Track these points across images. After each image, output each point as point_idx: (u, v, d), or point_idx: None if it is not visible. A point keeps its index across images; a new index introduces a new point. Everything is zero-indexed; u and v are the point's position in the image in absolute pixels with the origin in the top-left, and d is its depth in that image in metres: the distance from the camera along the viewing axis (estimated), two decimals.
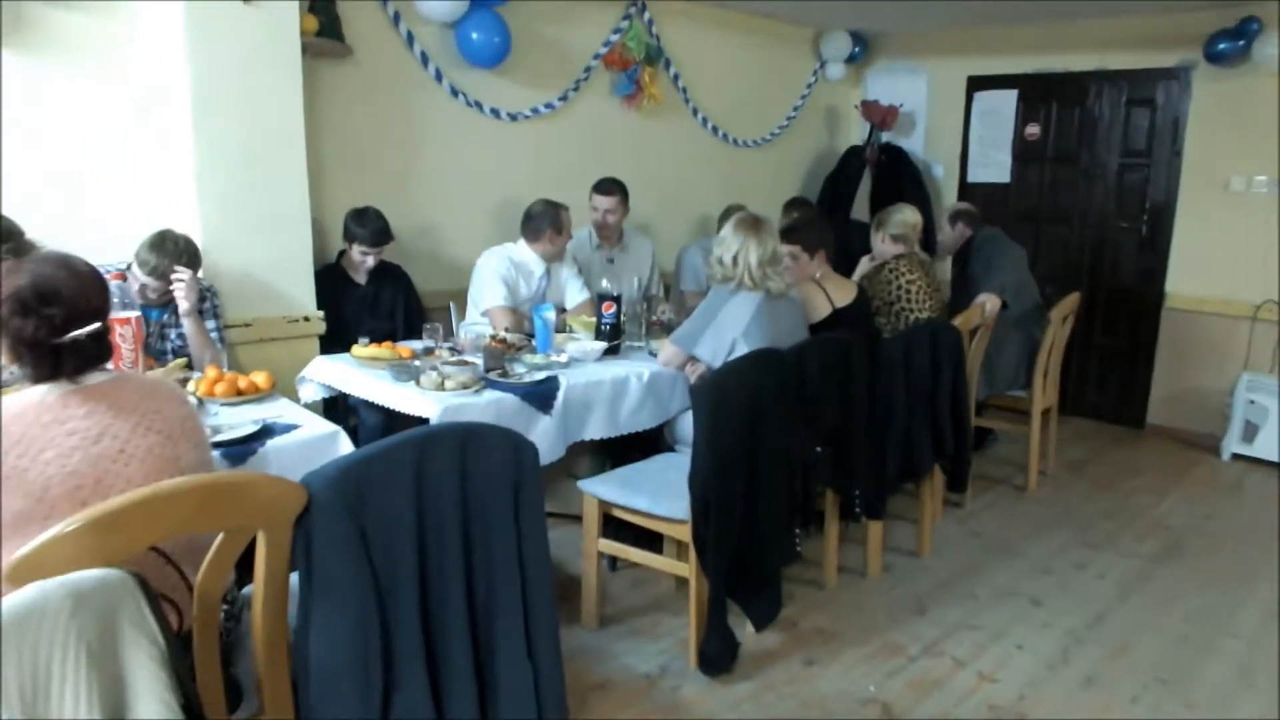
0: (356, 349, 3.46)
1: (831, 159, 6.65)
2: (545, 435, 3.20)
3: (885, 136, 6.49)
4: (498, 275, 4.19)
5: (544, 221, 4.23)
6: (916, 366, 3.54)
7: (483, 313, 4.23)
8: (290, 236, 3.90)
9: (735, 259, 3.40)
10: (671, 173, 5.72)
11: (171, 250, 3.34)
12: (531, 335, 3.82)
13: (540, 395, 3.20)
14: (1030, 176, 6.20)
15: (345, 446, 2.70)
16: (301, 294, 3.98)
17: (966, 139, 6.41)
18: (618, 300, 3.76)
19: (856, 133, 6.77)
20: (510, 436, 2.12)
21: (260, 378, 3.05)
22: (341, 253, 4.22)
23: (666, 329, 4.07)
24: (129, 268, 3.39)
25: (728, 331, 3.36)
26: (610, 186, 4.71)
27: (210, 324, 3.61)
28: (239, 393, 2.97)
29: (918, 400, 3.56)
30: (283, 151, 3.82)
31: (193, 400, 2.73)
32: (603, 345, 3.70)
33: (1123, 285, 5.88)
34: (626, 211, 4.77)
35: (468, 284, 4.36)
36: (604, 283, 3.80)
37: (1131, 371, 5.89)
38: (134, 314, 2.82)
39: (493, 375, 3.26)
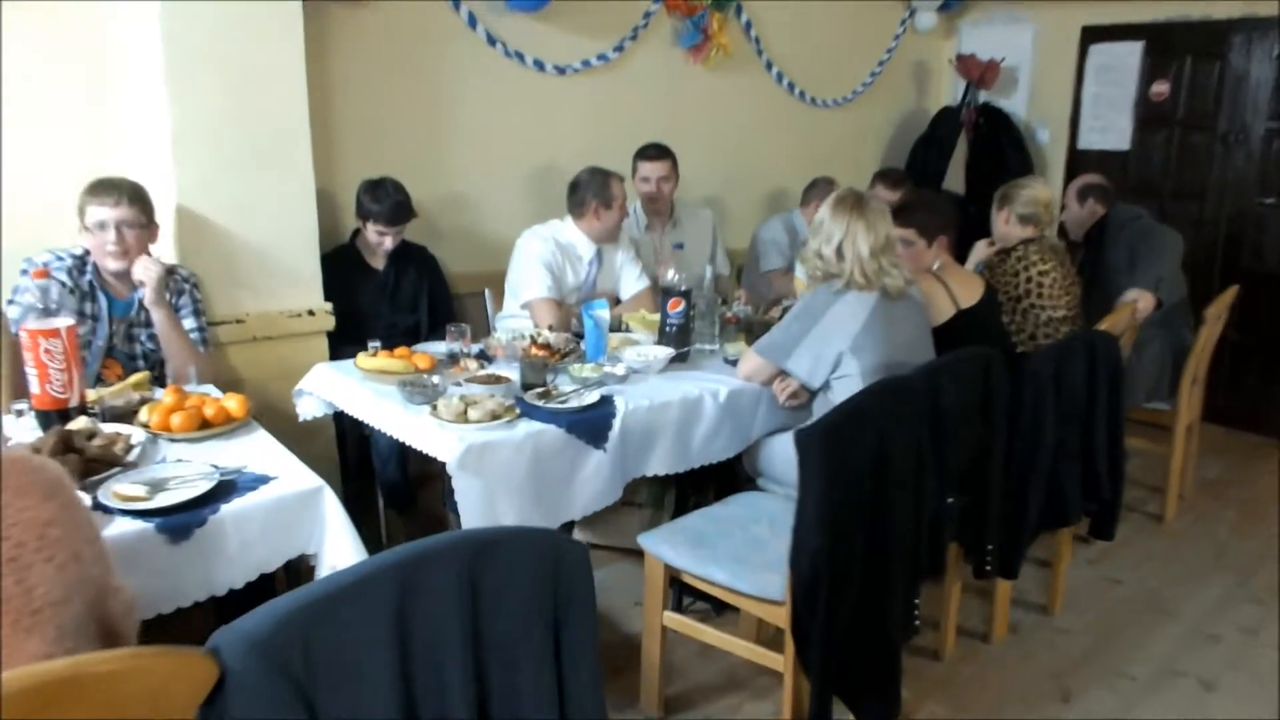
0: (362, 358, 2.74)
1: (920, 122, 5.79)
2: (598, 475, 2.47)
3: (983, 96, 5.61)
4: (540, 260, 3.45)
5: (588, 192, 3.48)
6: (1069, 388, 2.74)
7: (522, 305, 3.49)
8: (290, 213, 3.19)
9: (840, 250, 2.63)
10: (741, 137, 4.91)
11: (121, 194, 2.68)
12: (580, 336, 3.08)
13: (591, 425, 2.47)
14: (1154, 143, 5.30)
15: (332, 510, 2.00)
16: (305, 283, 3.27)
17: (1078, 99, 5.51)
18: (686, 296, 3.00)
19: (950, 92, 5.89)
20: (547, 543, 1.38)
21: (234, 403, 2.34)
22: (356, 233, 3.50)
23: (746, 328, 3.31)
24: (62, 259, 2.71)
25: (832, 343, 2.60)
26: (657, 151, 3.96)
27: (190, 322, 2.92)
28: (205, 424, 2.27)
29: (1069, 431, 2.77)
30: (280, 110, 3.09)
31: (145, 439, 2.04)
32: (669, 352, 2.95)
33: (1266, 271, 4.99)
34: (677, 180, 4.02)
35: (506, 266, 3.62)
36: (670, 274, 3.04)
37: (1272, 373, 5.01)
38: (63, 322, 2.12)
39: (531, 396, 2.53)
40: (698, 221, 4.17)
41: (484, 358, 2.97)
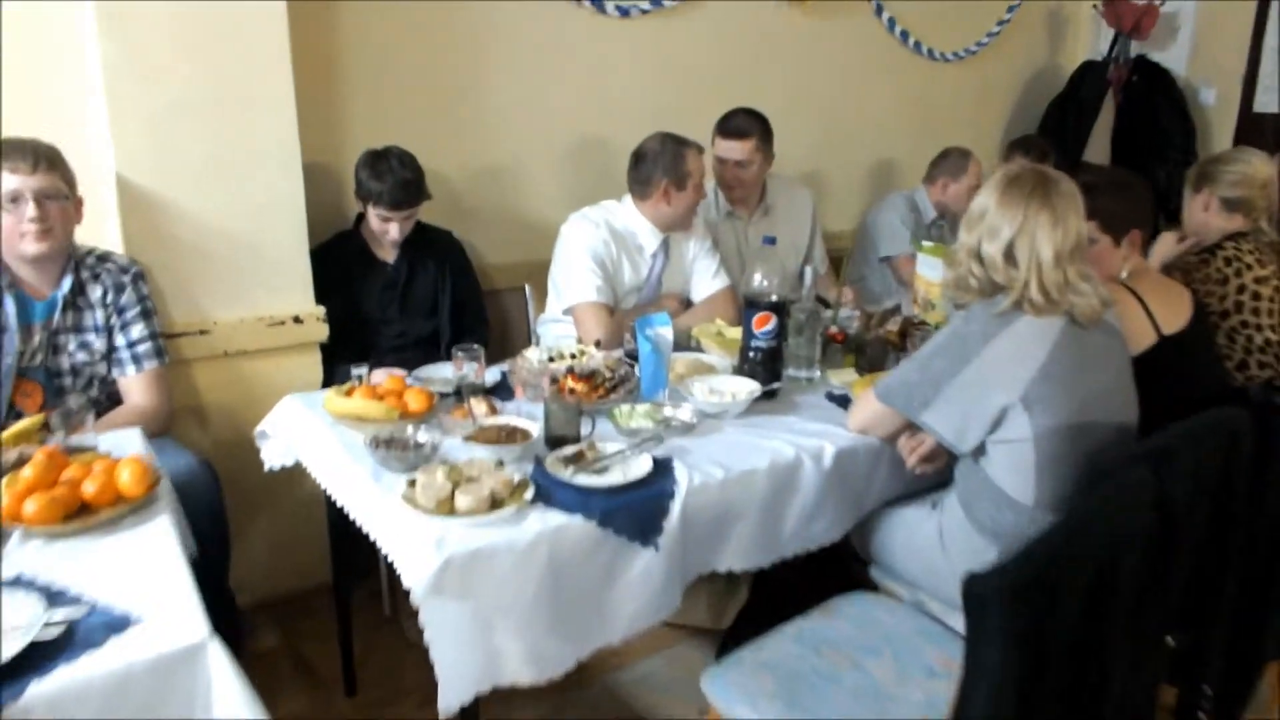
0: (332, 395, 1.99)
1: (1056, 79, 4.79)
2: (645, 582, 1.68)
3: (1136, 48, 4.59)
4: (588, 252, 2.65)
5: (656, 168, 2.65)
6: None
7: (565, 310, 2.71)
8: (269, 191, 2.45)
9: (1011, 252, 1.77)
10: (841, 96, 4.00)
11: (35, 157, 2.04)
12: (634, 358, 2.29)
13: (639, 513, 1.67)
14: None
15: (220, 683, 1.25)
16: (290, 281, 2.54)
17: (1256, 52, 4.45)
18: (778, 310, 2.17)
19: (1092, 44, 4.87)
20: None
21: (129, 472, 1.61)
22: (360, 218, 2.74)
23: (855, 347, 2.47)
24: None
25: (994, 391, 1.75)
26: (743, 124, 2.99)
27: (139, 329, 2.24)
28: (85, 507, 1.55)
29: None
30: (252, 56, 2.35)
31: None
32: (752, 389, 2.13)
33: None
34: (769, 161, 3.09)
35: (551, 255, 2.84)
36: (757, 278, 2.21)
37: None
38: None
39: (555, 461, 1.75)
40: (794, 205, 3.27)
41: (503, 391, 2.20)
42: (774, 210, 3.19)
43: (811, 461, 1.89)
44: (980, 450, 1.82)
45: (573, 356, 2.37)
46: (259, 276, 2.48)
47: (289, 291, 2.53)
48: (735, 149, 2.99)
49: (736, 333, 2.49)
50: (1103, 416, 1.77)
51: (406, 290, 2.75)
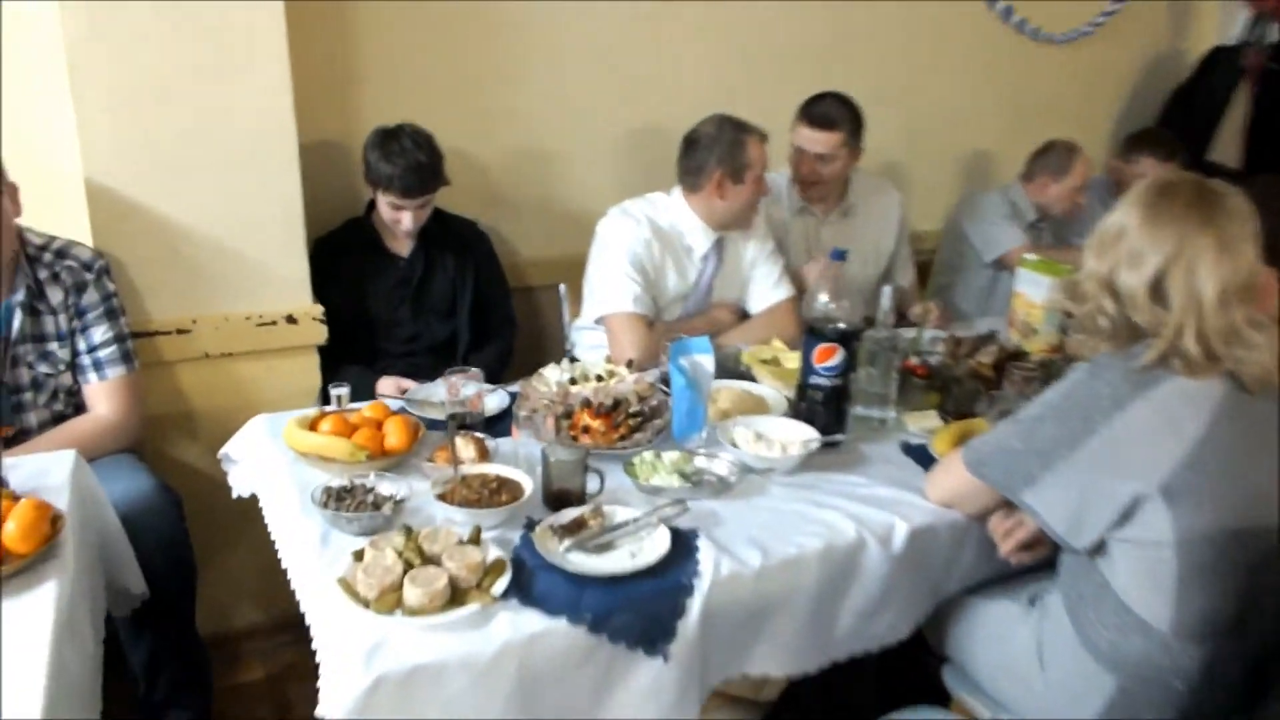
0: (294, 426, 1.63)
1: (1177, 68, 4.20)
2: (651, 698, 1.28)
3: (1276, 32, 3.98)
4: (626, 252, 2.26)
5: (710, 155, 2.23)
6: None
7: (597, 320, 2.32)
8: (260, 174, 2.10)
9: (1159, 288, 1.32)
10: (929, 79, 3.50)
11: None
12: (668, 386, 1.91)
13: (644, 613, 1.27)
14: None
15: None
16: (282, 275, 2.20)
17: None
18: (847, 343, 1.74)
19: (1223, 27, 4.26)
20: None
21: (16, 523, 1.28)
22: (372, 204, 2.38)
23: (940, 385, 2.04)
24: None
25: (1122, 477, 1.30)
26: (832, 112, 2.51)
27: (102, 331, 1.93)
28: None
29: None
30: (240, 23, 2.00)
31: None
32: (809, 440, 1.71)
33: None
34: (856, 157, 2.62)
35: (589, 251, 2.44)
36: (822, 299, 1.78)
37: None
38: None
39: (545, 533, 1.37)
40: (879, 207, 2.79)
41: (507, 420, 1.82)
42: (855, 212, 2.73)
43: (878, 544, 1.47)
44: (1100, 548, 1.38)
45: (599, 379, 1.99)
46: (247, 269, 2.14)
47: (281, 287, 2.19)
48: (818, 140, 2.53)
49: (796, 359, 2.08)
50: (1272, 519, 1.31)
51: (421, 288, 2.39)
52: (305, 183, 2.18)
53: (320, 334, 2.24)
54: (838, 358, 1.75)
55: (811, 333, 1.76)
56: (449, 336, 2.42)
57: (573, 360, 2.11)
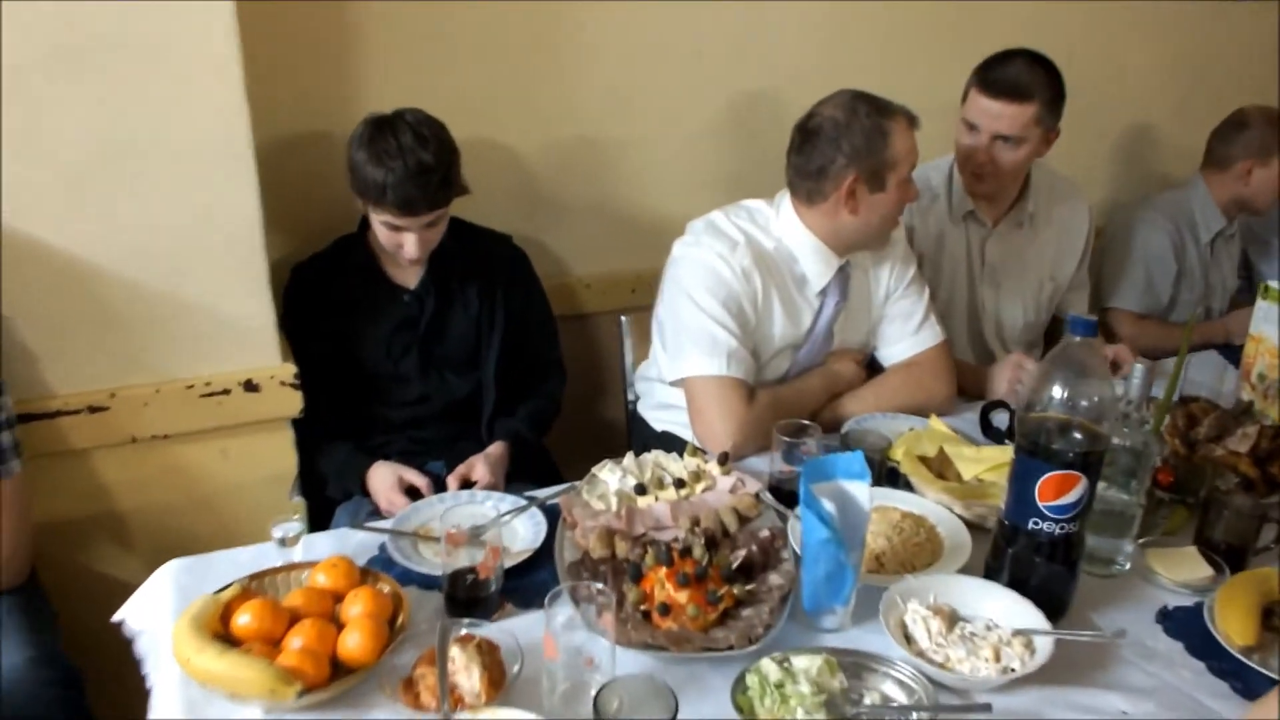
0: (185, 633, 0.97)
1: None
2: None
3: None
4: (713, 292, 1.56)
5: (838, 152, 1.52)
6: None
7: (673, 382, 1.64)
8: (200, 189, 1.46)
9: None
10: (1075, 45, 2.68)
11: None
12: (784, 494, 1.24)
13: None
14: None
15: None
16: (235, 327, 1.56)
17: None
18: (1092, 466, 1.04)
19: None
20: None
21: None
22: (366, 221, 1.71)
23: (1185, 488, 1.33)
24: None
25: None
26: (1023, 78, 1.79)
27: None
28: None
29: None
30: None
31: None
32: (1033, 651, 1.03)
33: None
34: (1052, 140, 1.87)
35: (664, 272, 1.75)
36: (1052, 391, 1.07)
37: None
38: None
39: None
40: (1065, 216, 2.03)
41: (547, 565, 1.16)
42: (1035, 221, 2.00)
43: None
44: None
45: (679, 485, 1.33)
46: (186, 321, 1.51)
47: (237, 342, 1.55)
48: (1003, 115, 1.80)
49: (975, 455, 1.38)
50: None
51: (433, 330, 1.73)
52: (286, 188, 1.57)
53: (293, 403, 1.61)
54: (1077, 491, 1.05)
55: (1033, 452, 1.06)
56: (470, 394, 1.77)
57: (639, 450, 1.44)
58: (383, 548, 1.25)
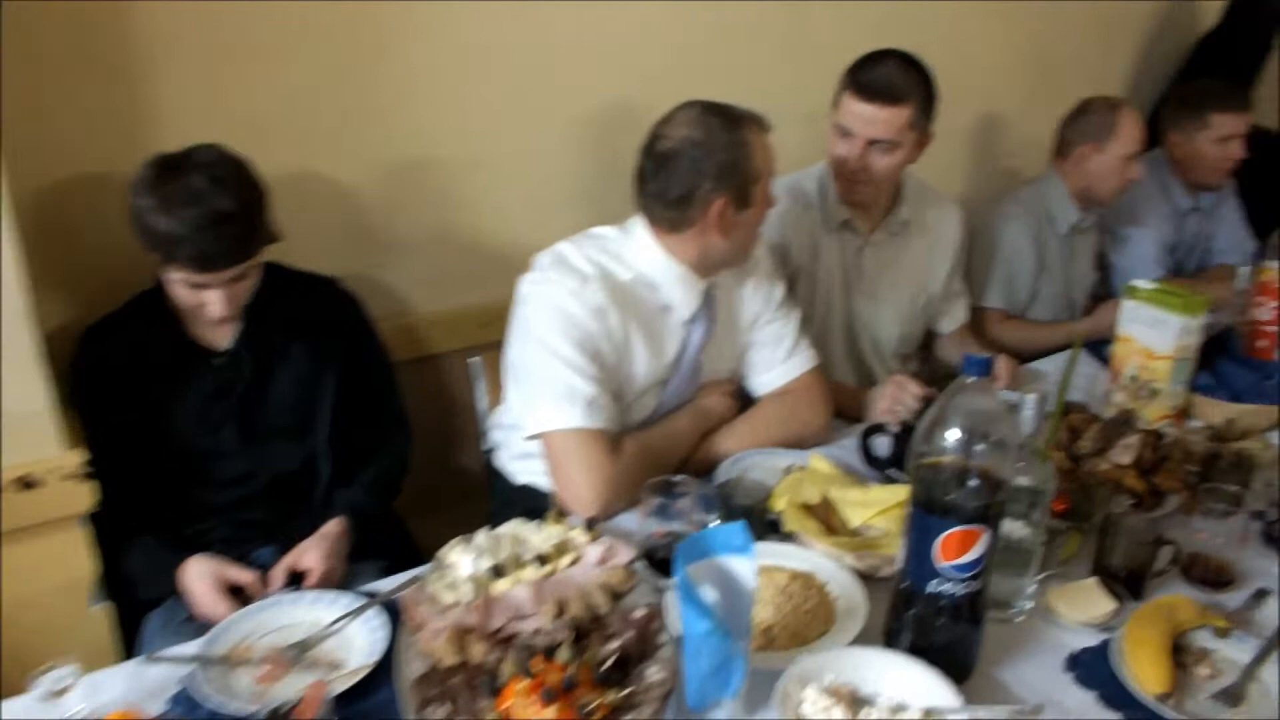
0: None
1: (1199, 14, 3.49)
2: None
3: None
4: (566, 335, 1.41)
5: (702, 176, 1.39)
6: None
7: (529, 437, 1.47)
8: None
9: None
10: (924, 35, 2.67)
11: None
12: (658, 560, 1.10)
13: None
14: None
15: None
16: (8, 409, 1.30)
17: None
18: (992, 517, 0.94)
19: None
20: None
21: None
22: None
23: (1078, 512, 1.26)
24: None
25: None
26: (897, 80, 1.73)
27: None
28: None
29: None
30: None
31: None
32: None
33: None
34: (924, 146, 1.81)
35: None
36: (946, 437, 0.96)
37: None
38: None
39: None
40: (937, 224, 1.97)
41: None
42: (909, 230, 1.93)
43: None
44: None
45: (541, 561, 1.18)
46: None
47: (3, 436, 1.30)
48: (876, 119, 1.72)
49: (859, 496, 1.28)
50: None
51: (252, 397, 1.51)
52: (60, 244, 1.34)
53: (82, 498, 1.36)
54: (980, 546, 0.95)
55: (929, 508, 0.95)
56: (302, 466, 1.55)
57: (499, 507, 1.28)
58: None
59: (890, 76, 1.72)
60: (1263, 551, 1.31)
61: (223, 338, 1.50)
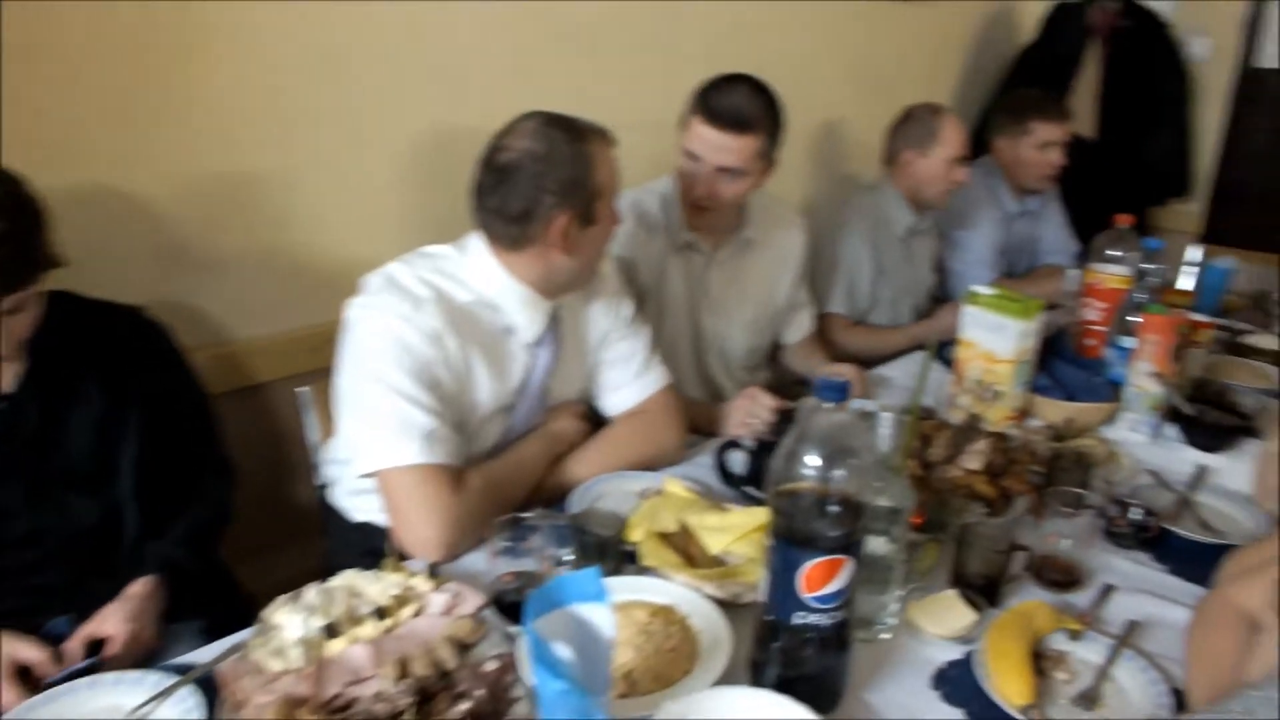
0: None
1: (1018, 27, 3.68)
2: None
3: None
4: (404, 361, 1.30)
5: (543, 192, 1.32)
6: None
7: (363, 475, 1.35)
8: None
9: None
10: (751, 43, 2.69)
11: None
12: (507, 606, 1.01)
13: None
14: None
15: None
16: None
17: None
18: (854, 545, 0.91)
19: None
20: None
21: None
22: None
23: (933, 521, 1.25)
24: None
25: None
26: (746, 109, 1.70)
27: None
28: None
29: None
30: None
31: None
32: None
33: None
34: (769, 172, 1.80)
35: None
36: (806, 462, 0.92)
37: None
38: None
39: None
40: (781, 240, 1.96)
41: None
42: (753, 247, 1.91)
43: None
44: None
45: (380, 615, 1.07)
46: None
47: None
48: (727, 147, 1.69)
49: (725, 525, 1.23)
50: None
51: (42, 445, 1.33)
52: None
53: None
54: (843, 576, 0.91)
55: (790, 539, 0.91)
56: (102, 520, 1.37)
57: (336, 548, 1.16)
58: None
59: (741, 105, 1.70)
60: (1106, 547, 1.35)
61: (5, 379, 1.31)
